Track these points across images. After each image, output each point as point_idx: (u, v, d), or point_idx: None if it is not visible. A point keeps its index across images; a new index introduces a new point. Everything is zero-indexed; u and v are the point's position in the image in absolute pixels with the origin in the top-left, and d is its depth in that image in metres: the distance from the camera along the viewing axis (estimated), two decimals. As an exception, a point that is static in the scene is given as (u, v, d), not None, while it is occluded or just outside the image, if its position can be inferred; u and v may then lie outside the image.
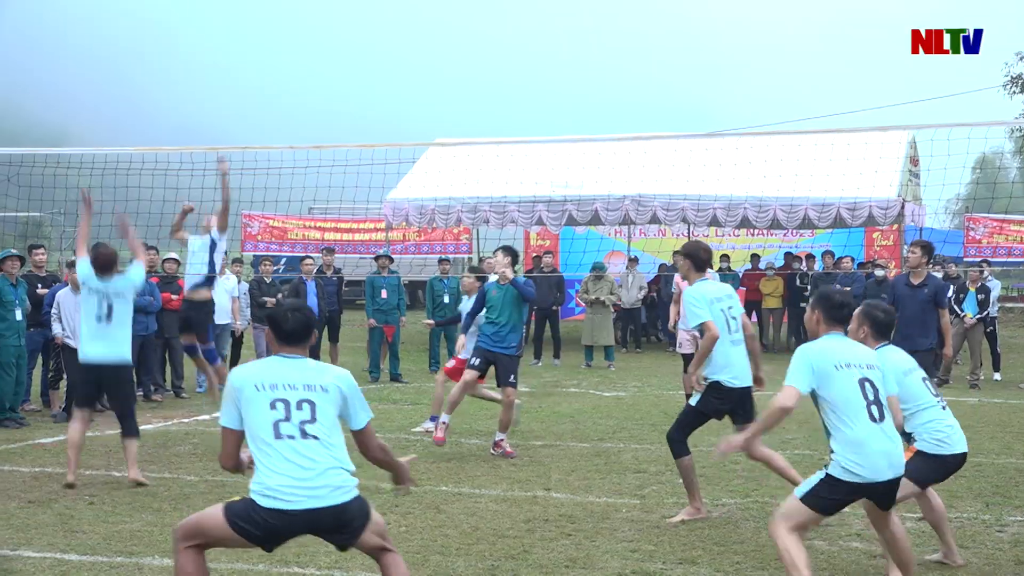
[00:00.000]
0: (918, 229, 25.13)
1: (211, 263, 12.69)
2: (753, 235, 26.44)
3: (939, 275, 18.81)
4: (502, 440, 11.60)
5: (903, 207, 21.88)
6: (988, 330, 19.23)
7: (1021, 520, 8.57)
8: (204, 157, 22.75)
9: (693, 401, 8.89)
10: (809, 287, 21.86)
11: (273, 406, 5.55)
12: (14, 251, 14.52)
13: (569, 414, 14.48)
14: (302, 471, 5.44)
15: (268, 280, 18.81)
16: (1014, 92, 36.67)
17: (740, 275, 23.62)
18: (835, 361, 6.50)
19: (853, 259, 21.65)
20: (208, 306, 12.90)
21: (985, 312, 18.69)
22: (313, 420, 5.59)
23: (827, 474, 6.30)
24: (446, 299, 19.75)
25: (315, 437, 5.56)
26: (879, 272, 19.78)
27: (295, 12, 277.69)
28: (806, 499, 6.33)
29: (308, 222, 27.58)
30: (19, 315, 13.71)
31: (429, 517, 8.62)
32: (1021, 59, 36.83)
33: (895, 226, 22.95)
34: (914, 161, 23.84)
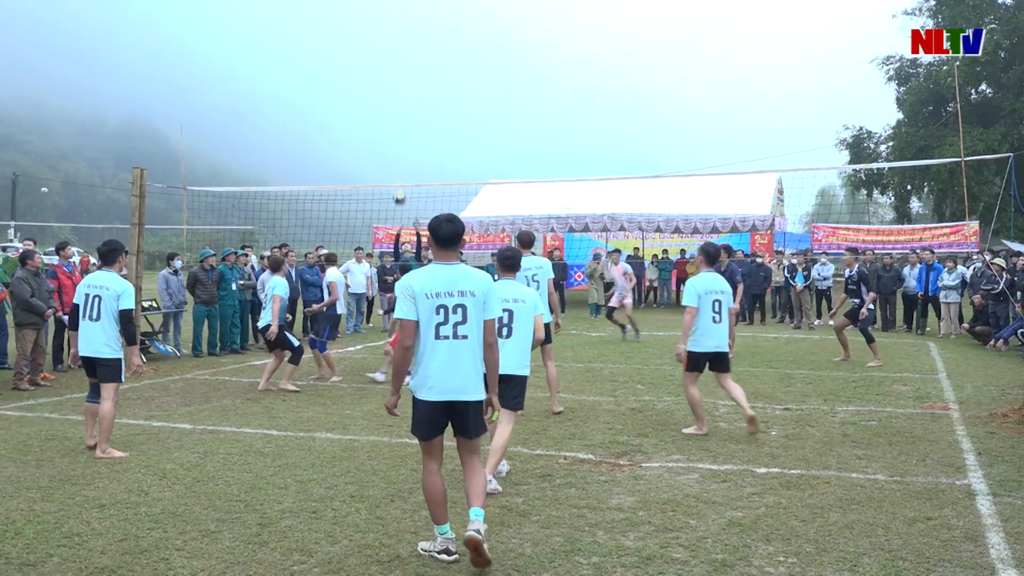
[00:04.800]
0: (784, 233, 24.92)
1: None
2: (682, 237, 26.13)
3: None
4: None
5: (774, 219, 21.93)
6: (826, 295, 18.99)
7: (846, 409, 8.50)
8: (349, 192, 22.97)
9: None
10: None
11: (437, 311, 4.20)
12: (232, 249, 14.68)
13: (570, 346, 14.49)
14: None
15: (388, 266, 18.77)
16: (842, 149, 36.53)
17: (674, 262, 23.47)
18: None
19: (743, 252, 21.43)
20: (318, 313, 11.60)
21: (810, 281, 18.38)
22: (464, 322, 4.23)
23: None
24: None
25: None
26: (759, 259, 19.69)
27: (400, 96, 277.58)
28: None
29: (413, 231, 27.42)
30: (234, 287, 13.85)
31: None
32: (846, 128, 36.75)
33: (768, 231, 22.90)
34: (780, 191, 23.67)
